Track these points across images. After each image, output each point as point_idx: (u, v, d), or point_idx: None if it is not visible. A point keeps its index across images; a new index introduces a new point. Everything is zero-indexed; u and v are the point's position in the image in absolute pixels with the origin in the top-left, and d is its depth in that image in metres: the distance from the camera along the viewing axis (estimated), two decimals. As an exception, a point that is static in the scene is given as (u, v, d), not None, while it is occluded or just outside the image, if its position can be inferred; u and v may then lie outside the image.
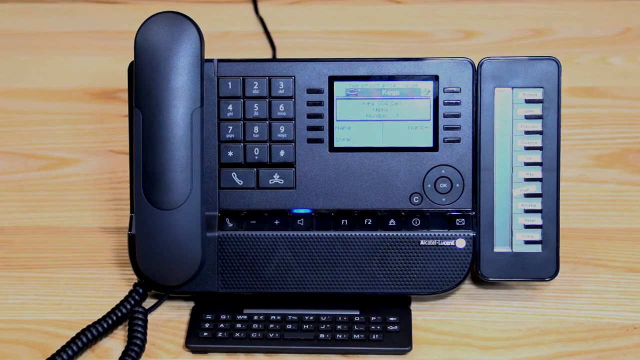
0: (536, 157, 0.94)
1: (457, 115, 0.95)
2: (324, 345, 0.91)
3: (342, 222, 0.95)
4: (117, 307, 0.94)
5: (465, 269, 0.94)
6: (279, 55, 1.29)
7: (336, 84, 0.95)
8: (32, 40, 1.37)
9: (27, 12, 1.42)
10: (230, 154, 0.95)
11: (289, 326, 0.92)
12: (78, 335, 0.91)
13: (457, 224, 0.95)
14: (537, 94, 0.94)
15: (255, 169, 0.96)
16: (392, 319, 0.93)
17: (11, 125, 1.23)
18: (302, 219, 0.95)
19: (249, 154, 0.96)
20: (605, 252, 1.02)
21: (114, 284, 0.99)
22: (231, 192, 0.96)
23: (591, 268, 1.00)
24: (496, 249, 0.95)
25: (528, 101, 0.94)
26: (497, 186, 0.95)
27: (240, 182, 0.96)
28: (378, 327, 0.92)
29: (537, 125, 0.94)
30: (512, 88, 0.94)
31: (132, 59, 0.92)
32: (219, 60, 0.95)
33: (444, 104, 0.95)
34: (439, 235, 0.94)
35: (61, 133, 1.21)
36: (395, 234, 0.94)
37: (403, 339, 0.91)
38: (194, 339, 0.91)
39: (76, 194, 1.13)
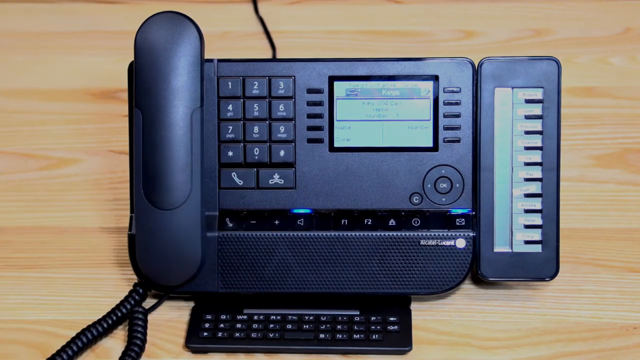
0: (536, 157, 0.94)
1: (457, 115, 0.95)
2: (324, 345, 0.91)
3: (342, 222, 0.95)
4: (117, 307, 0.94)
5: (465, 269, 0.94)
6: (279, 55, 1.29)
7: (336, 84, 0.95)
8: (32, 40, 1.37)
9: (27, 12, 1.42)
10: (230, 154, 0.95)
11: (289, 326, 0.92)
12: (78, 335, 0.91)
13: (457, 224, 0.95)
14: (537, 94, 0.94)
15: (255, 169, 0.96)
16: (392, 319, 0.93)
17: (11, 125, 1.23)
18: (302, 219, 0.95)
19: (249, 154, 0.96)
20: (605, 252, 1.02)
21: (114, 284, 0.99)
22: (231, 192, 0.96)
23: (591, 268, 1.00)
24: (496, 249, 0.95)
25: (528, 101, 0.94)
26: (497, 186, 0.95)
27: (240, 182, 0.96)
28: (378, 327, 0.92)
29: (537, 125, 0.94)
30: (512, 88, 0.94)
31: (132, 59, 0.92)
32: (219, 60, 0.95)
33: (444, 104, 0.95)
34: (439, 235, 0.94)
35: (61, 133, 1.21)
36: (395, 234, 0.94)
37: (403, 339, 0.91)
38: (194, 339, 0.92)
39: (76, 194, 1.13)
